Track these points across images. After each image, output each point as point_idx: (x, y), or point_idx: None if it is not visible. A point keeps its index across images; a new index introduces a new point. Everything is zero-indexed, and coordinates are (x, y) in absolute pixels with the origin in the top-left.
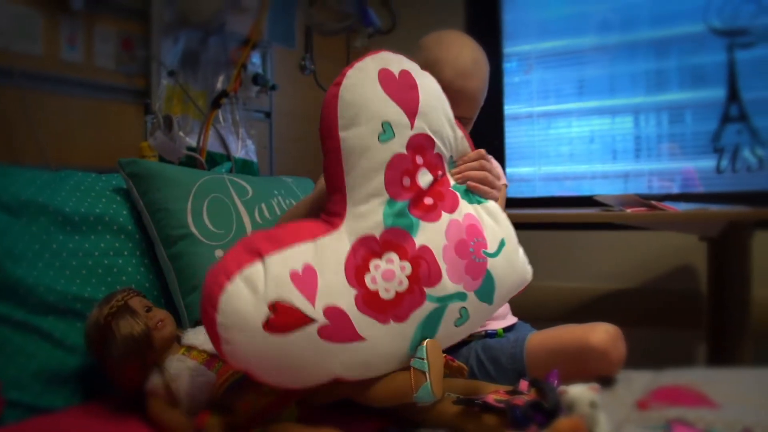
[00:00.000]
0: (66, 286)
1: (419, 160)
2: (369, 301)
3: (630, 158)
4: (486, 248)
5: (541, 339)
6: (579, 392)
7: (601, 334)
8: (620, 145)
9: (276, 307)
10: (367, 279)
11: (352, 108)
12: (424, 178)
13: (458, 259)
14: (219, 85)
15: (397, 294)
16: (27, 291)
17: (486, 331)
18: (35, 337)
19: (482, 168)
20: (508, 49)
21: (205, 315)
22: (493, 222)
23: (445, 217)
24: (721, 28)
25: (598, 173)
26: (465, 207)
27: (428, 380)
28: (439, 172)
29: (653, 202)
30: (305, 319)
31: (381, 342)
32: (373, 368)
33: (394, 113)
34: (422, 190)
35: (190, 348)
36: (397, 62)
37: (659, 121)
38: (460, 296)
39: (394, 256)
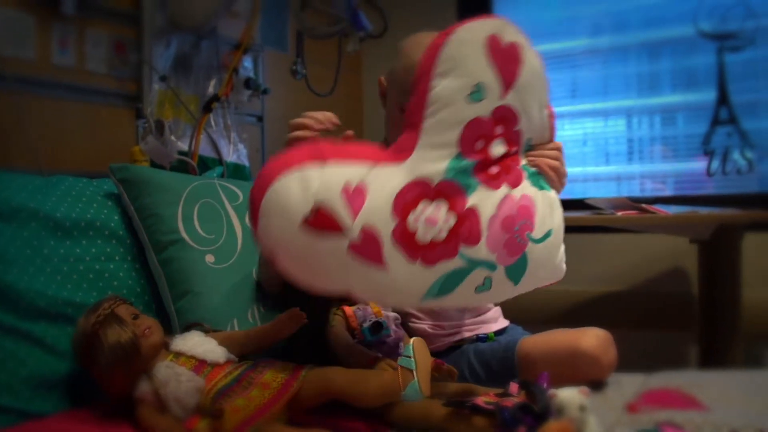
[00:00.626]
0: (57, 291)
1: (499, 130)
2: (404, 237)
3: (623, 160)
4: (531, 232)
5: (532, 344)
6: (568, 395)
7: (591, 339)
8: (613, 147)
9: (319, 210)
10: (411, 217)
11: (451, 61)
12: (497, 148)
13: (501, 232)
14: (211, 90)
15: (433, 241)
16: (18, 296)
17: (477, 335)
18: (26, 342)
19: (557, 158)
20: None
21: (254, 193)
22: (548, 211)
23: (504, 190)
24: (711, 32)
25: (590, 175)
26: (527, 188)
27: (415, 378)
28: (514, 149)
29: (644, 205)
30: (341, 231)
31: (401, 276)
32: (386, 298)
33: (490, 79)
34: (491, 158)
35: (178, 354)
36: (510, 33)
37: (652, 124)
38: (490, 266)
39: (443, 206)
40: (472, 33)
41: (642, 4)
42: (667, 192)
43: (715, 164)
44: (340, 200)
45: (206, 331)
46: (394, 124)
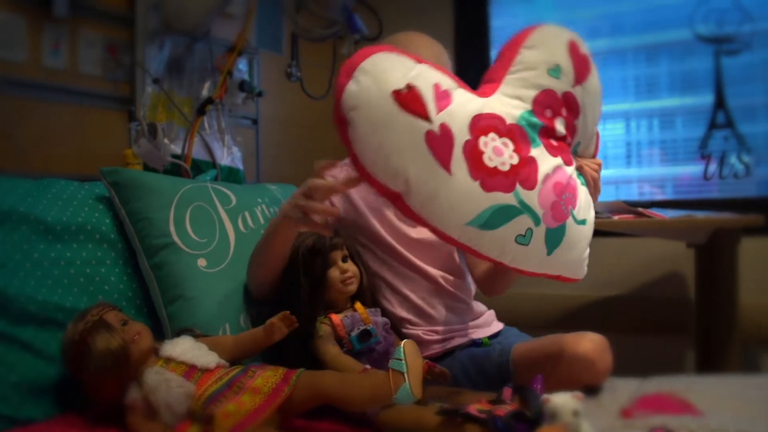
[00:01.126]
0: (47, 295)
1: (564, 112)
2: (473, 153)
3: (621, 164)
4: (574, 208)
5: (527, 348)
6: (562, 401)
7: (587, 343)
8: (611, 151)
9: (411, 88)
10: (481, 140)
11: (539, 40)
12: (560, 126)
13: (552, 192)
14: (205, 92)
15: (496, 168)
16: (7, 301)
17: (472, 339)
18: (16, 347)
19: (597, 172)
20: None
21: (356, 56)
22: (586, 203)
23: (559, 160)
24: (708, 35)
25: None
26: (574, 173)
27: (407, 381)
28: (569, 137)
29: (640, 209)
30: (425, 115)
31: (459, 189)
32: (435, 206)
33: (568, 66)
34: (555, 129)
35: (168, 360)
36: (585, 48)
37: (650, 127)
38: (536, 217)
39: (509, 143)
40: (560, 31)
41: (638, 8)
42: (665, 196)
43: (713, 168)
44: (431, 91)
45: (196, 336)
46: None
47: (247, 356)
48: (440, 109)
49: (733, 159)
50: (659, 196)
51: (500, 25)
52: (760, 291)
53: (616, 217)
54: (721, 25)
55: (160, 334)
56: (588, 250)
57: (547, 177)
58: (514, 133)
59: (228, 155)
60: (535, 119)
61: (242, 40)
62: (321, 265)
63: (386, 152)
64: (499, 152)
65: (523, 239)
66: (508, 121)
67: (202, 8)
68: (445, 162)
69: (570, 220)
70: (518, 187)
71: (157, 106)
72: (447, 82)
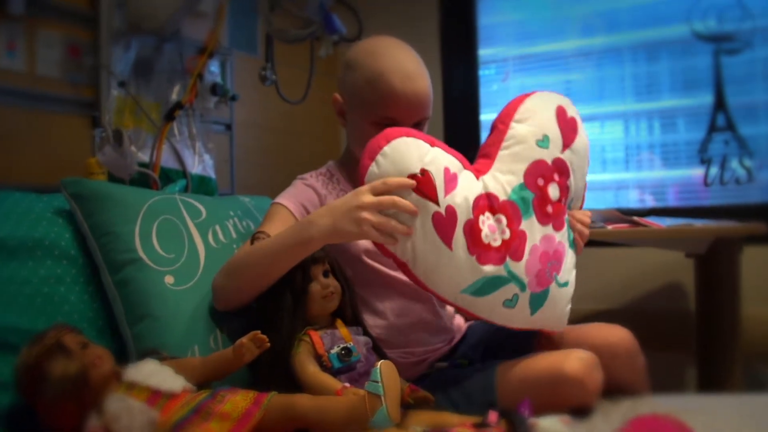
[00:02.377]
0: (0, 317)
1: (556, 176)
2: (473, 231)
3: (620, 168)
4: (558, 274)
5: (512, 368)
6: (549, 425)
7: (575, 362)
8: (610, 154)
9: (425, 172)
10: (480, 218)
11: (529, 112)
12: (553, 191)
13: (537, 262)
14: (174, 96)
15: (489, 244)
16: None
17: (452, 361)
18: None
19: (586, 225)
20: (484, 51)
21: (379, 138)
22: (570, 267)
23: (549, 228)
24: (706, 34)
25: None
26: (563, 237)
27: (384, 404)
28: (564, 199)
29: (635, 218)
30: (435, 199)
31: (457, 263)
32: (436, 276)
33: (555, 135)
34: (548, 197)
35: (131, 385)
36: (573, 110)
37: (650, 128)
38: (522, 285)
39: (503, 219)
40: (547, 99)
41: (634, 4)
42: (664, 202)
43: (714, 173)
44: (441, 175)
45: (163, 359)
46: (368, 138)
47: (216, 379)
48: (448, 192)
49: (734, 163)
50: (657, 203)
51: (488, 23)
52: (764, 302)
53: (610, 227)
54: (721, 23)
55: (124, 357)
56: (569, 307)
57: (534, 248)
58: (507, 209)
59: (199, 163)
60: (526, 191)
61: (214, 41)
62: (302, 279)
63: (397, 242)
64: (492, 229)
65: (510, 303)
66: (501, 198)
67: (170, 6)
68: (447, 240)
69: (553, 285)
70: (508, 259)
71: (123, 111)
72: (455, 164)
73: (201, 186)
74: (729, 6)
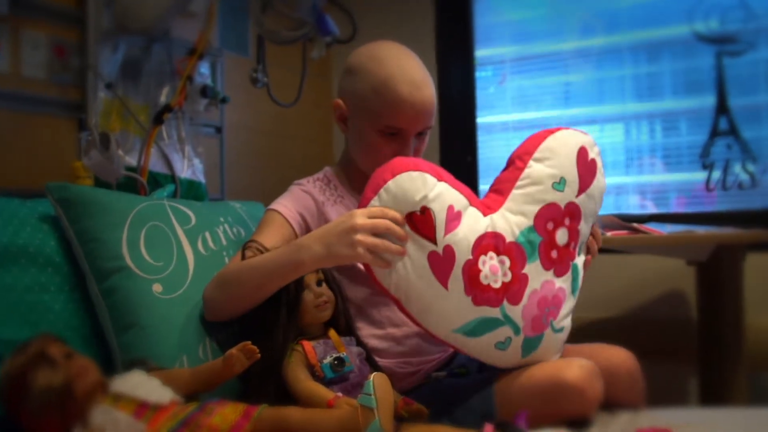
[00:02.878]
0: None
1: (567, 221)
2: (471, 272)
3: (620, 171)
4: (554, 320)
5: (510, 377)
6: None
7: (575, 370)
8: (610, 157)
9: (426, 210)
10: (481, 259)
11: (550, 152)
12: (562, 236)
13: (535, 308)
14: (163, 98)
15: (489, 285)
16: None
17: (450, 370)
18: None
19: (597, 241)
20: (481, 53)
21: (385, 171)
22: (567, 312)
23: (551, 274)
24: (708, 35)
25: None
26: (566, 283)
27: (377, 417)
28: (573, 243)
29: (635, 225)
30: (433, 238)
31: (452, 303)
32: (429, 315)
33: (573, 178)
34: (555, 241)
35: (117, 397)
36: (595, 152)
37: (652, 131)
38: (516, 328)
39: (506, 261)
40: (571, 138)
41: (634, 4)
42: (665, 207)
43: (716, 177)
44: (444, 214)
45: (150, 370)
46: (372, 148)
47: (205, 390)
48: (448, 232)
49: (737, 168)
50: (658, 209)
51: (485, 23)
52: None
53: (609, 234)
54: (724, 24)
55: (110, 368)
56: (561, 351)
57: (533, 293)
58: (512, 252)
59: (188, 167)
60: (534, 234)
61: (204, 42)
62: (295, 287)
63: (392, 266)
64: (494, 271)
65: (502, 346)
66: (508, 239)
67: (160, 6)
68: (443, 279)
69: (548, 330)
70: (505, 302)
71: (110, 113)
72: (461, 202)
73: (190, 191)
74: (732, 6)
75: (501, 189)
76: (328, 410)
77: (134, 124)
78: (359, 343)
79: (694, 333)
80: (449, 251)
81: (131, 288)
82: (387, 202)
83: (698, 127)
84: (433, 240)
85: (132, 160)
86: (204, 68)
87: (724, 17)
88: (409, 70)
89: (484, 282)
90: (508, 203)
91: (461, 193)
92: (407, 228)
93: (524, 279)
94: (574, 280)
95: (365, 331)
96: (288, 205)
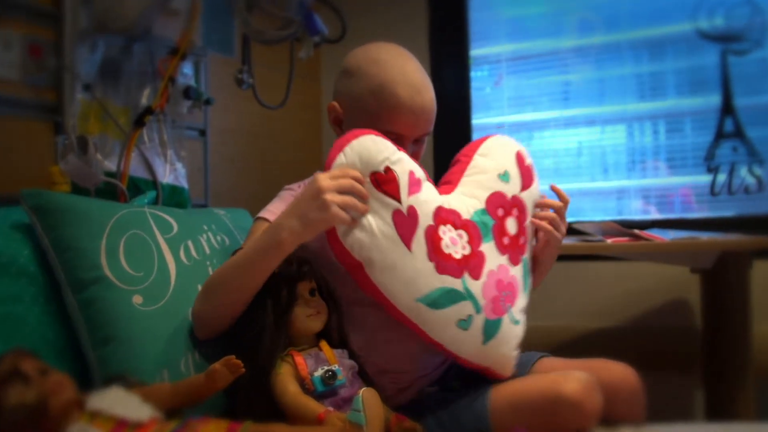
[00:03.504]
0: None
1: (515, 212)
2: (434, 238)
3: (622, 174)
4: (512, 306)
5: (506, 391)
6: None
7: (573, 383)
8: (611, 158)
9: (390, 171)
10: (441, 228)
11: (491, 149)
12: (511, 225)
13: (494, 288)
14: (144, 100)
15: (450, 254)
16: None
17: (443, 383)
18: None
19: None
20: (476, 51)
21: (348, 135)
22: (521, 308)
23: (505, 259)
24: (713, 33)
25: (586, 191)
26: (518, 272)
27: None
28: (522, 237)
29: (636, 231)
30: (398, 197)
31: (415, 266)
32: (391, 274)
33: (515, 174)
34: (506, 228)
35: (94, 414)
36: (529, 159)
37: (655, 131)
38: (477, 306)
39: (464, 235)
40: (508, 141)
41: (635, 0)
42: (669, 212)
43: (721, 181)
44: (406, 177)
45: (129, 385)
46: None
47: (188, 406)
48: (411, 194)
49: (743, 171)
50: (662, 214)
51: (481, 20)
52: None
53: (609, 240)
54: (729, 20)
55: (87, 384)
56: (518, 351)
57: (491, 272)
58: (469, 227)
59: (171, 172)
60: (487, 216)
61: (187, 41)
62: (287, 296)
63: (358, 224)
64: (454, 242)
65: (464, 324)
66: (464, 216)
67: (140, 4)
68: (407, 239)
69: (506, 317)
70: (466, 274)
71: (88, 116)
72: (420, 173)
73: (172, 197)
74: (737, 2)
75: (450, 180)
76: (316, 428)
77: (114, 127)
78: (352, 355)
79: (698, 343)
80: (413, 212)
81: (110, 299)
82: (352, 159)
83: (703, 128)
84: (397, 198)
85: (111, 165)
86: (187, 69)
87: (729, 13)
88: (409, 74)
89: (446, 250)
90: (460, 188)
91: (421, 168)
92: (372, 187)
93: (482, 255)
94: (525, 276)
95: (351, 338)
96: (277, 212)
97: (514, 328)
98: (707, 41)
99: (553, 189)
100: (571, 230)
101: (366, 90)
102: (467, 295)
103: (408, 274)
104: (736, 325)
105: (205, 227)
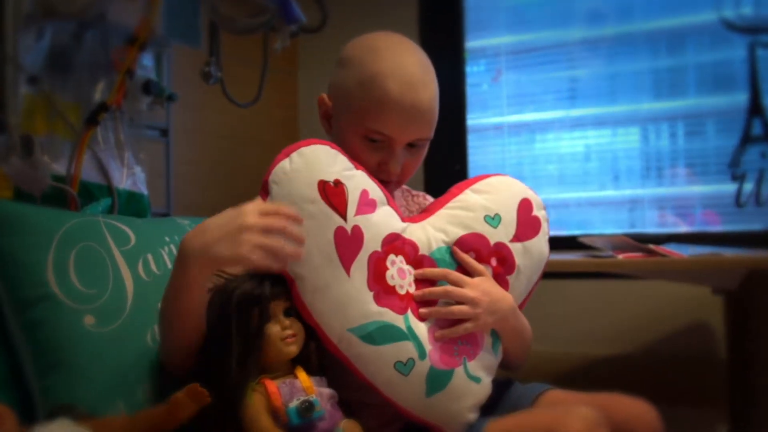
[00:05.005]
0: None
1: (493, 262)
2: (377, 266)
3: (635, 182)
4: (470, 359)
5: (502, 428)
6: None
7: (577, 422)
8: (624, 163)
9: (339, 184)
10: (390, 257)
11: (489, 186)
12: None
13: (445, 342)
14: (98, 96)
15: (394, 287)
16: None
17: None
18: None
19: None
20: (472, 44)
21: (298, 143)
22: (486, 365)
23: None
24: (740, 24)
25: (595, 201)
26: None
27: None
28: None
29: (651, 246)
30: (343, 212)
31: (351, 294)
32: (322, 295)
33: (509, 219)
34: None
35: None
36: (541, 211)
37: (673, 134)
38: (422, 350)
39: (412, 271)
40: (516, 185)
41: None
42: (689, 225)
43: (747, 191)
44: (357, 194)
45: (78, 417)
46: (352, 155)
47: None
48: (360, 213)
49: None
50: (680, 227)
51: (478, 9)
52: None
53: (621, 256)
54: (758, 9)
55: (31, 415)
56: (476, 414)
57: (444, 318)
58: (423, 265)
59: (128, 177)
60: (450, 257)
61: (147, 29)
62: (258, 317)
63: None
64: (402, 275)
65: (403, 367)
66: (422, 251)
67: None
68: (346, 262)
69: (460, 370)
70: (410, 313)
71: (33, 112)
72: (378, 194)
73: (130, 204)
74: None
75: (429, 209)
76: None
77: (63, 125)
78: (332, 383)
79: (722, 373)
80: (358, 233)
81: (58, 320)
82: (298, 166)
83: (727, 130)
84: (342, 214)
85: (60, 169)
86: (147, 60)
87: (758, 1)
88: (406, 66)
89: (390, 282)
90: (432, 218)
91: (381, 190)
92: (317, 195)
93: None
94: (495, 335)
95: (337, 376)
96: None
97: (470, 386)
98: (733, 32)
99: (455, 254)
100: (578, 245)
101: (356, 81)
102: (409, 336)
103: (341, 299)
104: (764, 352)
105: (167, 239)
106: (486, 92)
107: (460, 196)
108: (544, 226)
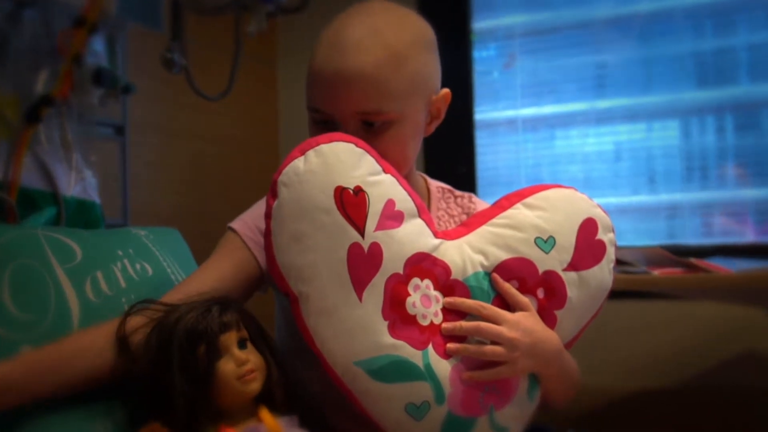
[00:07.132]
0: None
1: (540, 293)
2: (395, 292)
3: (675, 185)
4: (497, 409)
5: None
6: None
7: None
8: (661, 165)
9: (360, 192)
10: (413, 281)
11: (547, 203)
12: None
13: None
14: (40, 86)
15: (413, 317)
16: None
17: None
18: None
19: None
20: (481, 25)
21: (320, 137)
22: (517, 415)
23: None
24: None
25: (627, 207)
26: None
27: None
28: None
29: (693, 260)
30: (360, 226)
31: (362, 322)
32: (327, 320)
33: (567, 245)
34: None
35: None
36: (607, 235)
37: (720, 129)
38: (440, 393)
39: (440, 298)
40: (580, 201)
41: None
42: (741, 236)
43: None
44: (381, 205)
45: None
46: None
47: None
48: (381, 228)
49: None
50: (728, 237)
51: None
52: None
53: (657, 272)
54: None
55: None
56: None
57: (471, 358)
58: (454, 292)
59: (77, 182)
60: (488, 284)
61: (97, 8)
62: (206, 355)
63: (302, 246)
64: (426, 303)
65: (415, 411)
66: (454, 275)
67: None
68: (358, 285)
69: (484, 419)
70: (431, 348)
71: None
72: (407, 205)
73: (79, 215)
74: None
75: (470, 223)
76: None
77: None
78: (308, 417)
79: None
80: (376, 251)
81: None
82: (314, 167)
83: None
84: (360, 229)
85: None
86: (98, 45)
87: None
88: (344, 30)
89: (410, 311)
90: (472, 236)
91: (412, 199)
92: (332, 204)
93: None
94: (532, 380)
95: (306, 378)
96: (248, 220)
97: None
98: None
99: (495, 283)
100: None
101: (309, 65)
102: (426, 375)
103: (349, 326)
104: None
105: (120, 252)
106: (497, 81)
107: (509, 211)
108: (610, 251)
